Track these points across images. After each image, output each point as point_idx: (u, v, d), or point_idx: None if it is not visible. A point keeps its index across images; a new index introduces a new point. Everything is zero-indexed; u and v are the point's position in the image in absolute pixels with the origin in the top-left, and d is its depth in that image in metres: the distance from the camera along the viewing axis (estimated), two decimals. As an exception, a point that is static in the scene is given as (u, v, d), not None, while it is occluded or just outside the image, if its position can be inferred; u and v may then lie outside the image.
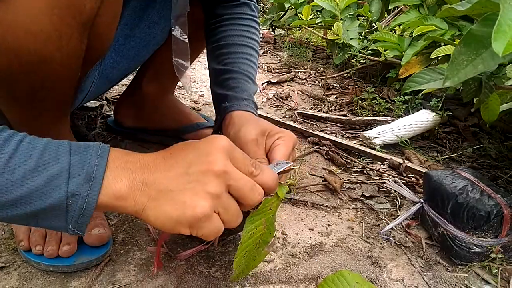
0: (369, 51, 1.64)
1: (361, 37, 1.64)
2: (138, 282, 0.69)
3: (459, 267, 0.78)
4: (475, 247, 0.76)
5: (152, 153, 0.52)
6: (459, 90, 1.42)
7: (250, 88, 0.83)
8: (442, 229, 0.80)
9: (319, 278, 0.73)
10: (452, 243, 0.77)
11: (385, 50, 1.50)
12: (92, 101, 1.26)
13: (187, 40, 0.76)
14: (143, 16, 0.85)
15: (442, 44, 1.25)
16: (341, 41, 1.58)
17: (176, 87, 1.56)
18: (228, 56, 0.86)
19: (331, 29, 1.63)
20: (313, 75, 1.92)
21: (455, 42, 0.93)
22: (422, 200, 0.86)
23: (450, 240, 0.78)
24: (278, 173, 0.60)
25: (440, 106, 1.34)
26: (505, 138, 1.32)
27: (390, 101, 1.58)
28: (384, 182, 1.05)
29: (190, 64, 1.16)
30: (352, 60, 1.61)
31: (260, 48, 2.33)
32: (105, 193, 0.45)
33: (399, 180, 0.96)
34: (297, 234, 0.85)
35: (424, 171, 1.08)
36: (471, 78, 0.76)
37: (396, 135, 1.23)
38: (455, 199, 0.77)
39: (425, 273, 0.77)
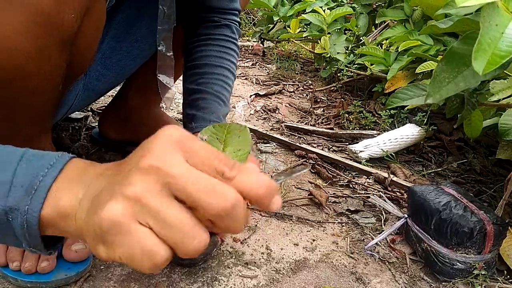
0: (356, 65, 1.65)
1: (347, 51, 1.65)
2: (118, 299, 0.67)
3: (443, 283, 0.78)
4: (458, 264, 0.76)
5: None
6: (444, 105, 1.43)
7: (219, 110, 0.82)
8: (426, 245, 0.79)
9: (303, 294, 0.73)
10: (436, 259, 0.77)
11: (371, 65, 1.51)
12: (76, 112, 1.24)
13: (172, 56, 0.75)
14: (131, 29, 0.85)
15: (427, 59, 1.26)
16: (328, 55, 1.59)
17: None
18: (202, 76, 0.85)
19: (319, 43, 1.65)
20: (301, 88, 1.93)
21: (438, 59, 0.94)
22: (406, 216, 0.86)
23: (433, 256, 0.78)
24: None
25: (425, 121, 1.35)
26: (490, 153, 1.33)
27: (376, 115, 1.59)
28: (369, 197, 1.05)
29: (175, 81, 1.16)
30: (339, 74, 1.62)
31: (249, 60, 2.34)
32: (48, 208, 0.37)
33: (383, 195, 0.96)
34: (281, 249, 0.85)
35: (409, 185, 1.08)
36: (453, 95, 0.77)
37: (381, 149, 1.23)
38: (438, 215, 0.78)
39: (409, 290, 0.76)
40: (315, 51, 1.73)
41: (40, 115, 0.66)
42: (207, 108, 0.80)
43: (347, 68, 1.59)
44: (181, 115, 1.46)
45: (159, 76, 0.73)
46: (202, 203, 0.33)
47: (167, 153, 0.34)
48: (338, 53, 1.57)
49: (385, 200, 0.90)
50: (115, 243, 0.32)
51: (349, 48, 1.67)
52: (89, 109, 1.32)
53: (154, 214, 0.32)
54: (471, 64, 0.63)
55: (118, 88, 1.14)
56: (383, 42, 1.58)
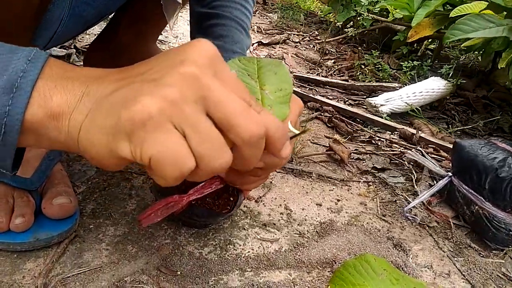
0: (376, 10, 1.49)
1: (367, -7, 1.49)
2: (112, 264, 0.54)
3: (494, 251, 0.67)
4: (516, 230, 0.64)
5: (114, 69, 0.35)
6: (463, 62, 1.31)
7: (242, 40, 0.65)
8: (477, 207, 0.68)
9: (335, 262, 0.61)
10: (489, 224, 0.66)
11: (395, 9, 1.35)
12: (58, 49, 1.08)
13: None
14: None
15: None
16: (344, -2, 1.43)
17: (160, 43, 1.38)
18: None
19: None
20: (307, 39, 1.77)
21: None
22: (450, 174, 0.74)
23: (486, 220, 0.66)
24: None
25: (450, 74, 1.22)
26: (517, 112, 1.22)
27: (392, 69, 1.45)
28: (396, 154, 0.92)
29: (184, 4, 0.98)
30: (358, 19, 1.46)
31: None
32: (34, 108, 0.31)
33: (422, 151, 0.83)
34: (303, 209, 0.72)
35: (439, 142, 0.96)
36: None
37: (406, 103, 1.10)
38: (494, 172, 0.65)
39: (456, 258, 0.65)
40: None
41: (13, 28, 0.50)
42: (228, 36, 0.64)
43: (366, 13, 1.43)
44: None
45: None
46: (237, 124, 0.31)
47: (205, 66, 0.31)
48: (357, -5, 1.40)
49: (425, 156, 0.77)
50: (147, 140, 0.29)
51: (369, -9, 1.50)
52: (72, 46, 1.15)
53: (191, 123, 0.30)
54: None
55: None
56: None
